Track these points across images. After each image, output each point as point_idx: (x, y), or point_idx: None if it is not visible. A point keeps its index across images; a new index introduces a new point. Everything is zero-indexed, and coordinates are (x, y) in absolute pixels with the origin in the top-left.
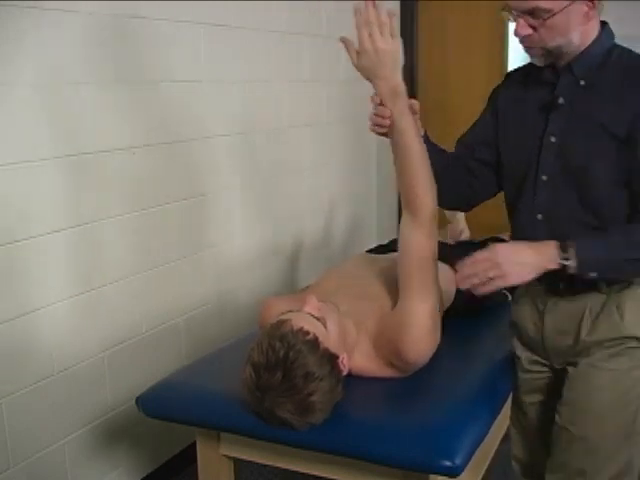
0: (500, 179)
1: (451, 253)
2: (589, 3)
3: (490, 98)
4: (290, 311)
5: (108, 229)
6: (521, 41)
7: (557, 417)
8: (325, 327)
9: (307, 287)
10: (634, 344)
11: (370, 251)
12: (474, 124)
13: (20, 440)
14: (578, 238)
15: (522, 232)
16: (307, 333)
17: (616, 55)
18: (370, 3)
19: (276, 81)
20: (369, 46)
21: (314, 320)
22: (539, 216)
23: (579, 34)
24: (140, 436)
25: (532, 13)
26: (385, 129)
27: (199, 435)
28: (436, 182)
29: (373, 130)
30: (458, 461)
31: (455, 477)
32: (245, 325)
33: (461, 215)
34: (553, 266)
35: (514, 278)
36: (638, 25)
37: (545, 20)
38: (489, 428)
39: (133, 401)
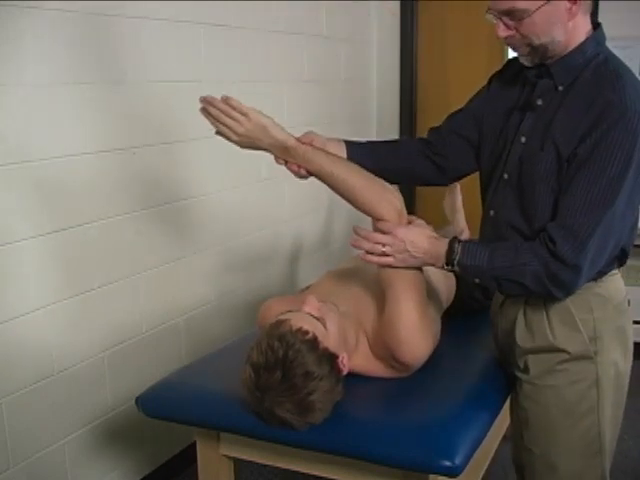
0: (473, 160)
1: None
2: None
3: (489, 80)
4: (289, 311)
5: (108, 229)
6: (505, 42)
7: (523, 436)
8: (324, 327)
9: (307, 287)
10: (566, 357)
11: None
12: (467, 102)
13: (20, 440)
14: (468, 244)
15: (481, 224)
16: (306, 333)
17: (594, 65)
18: (206, 102)
19: (276, 81)
20: (235, 138)
21: (313, 320)
22: (491, 212)
23: (564, 31)
24: (140, 436)
25: (510, 14)
26: (305, 172)
27: (199, 435)
28: (397, 169)
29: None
30: (458, 461)
31: (455, 477)
32: (245, 325)
33: (461, 215)
34: (438, 266)
35: (399, 264)
36: (638, 25)
37: (522, 20)
38: (489, 428)
39: (133, 401)
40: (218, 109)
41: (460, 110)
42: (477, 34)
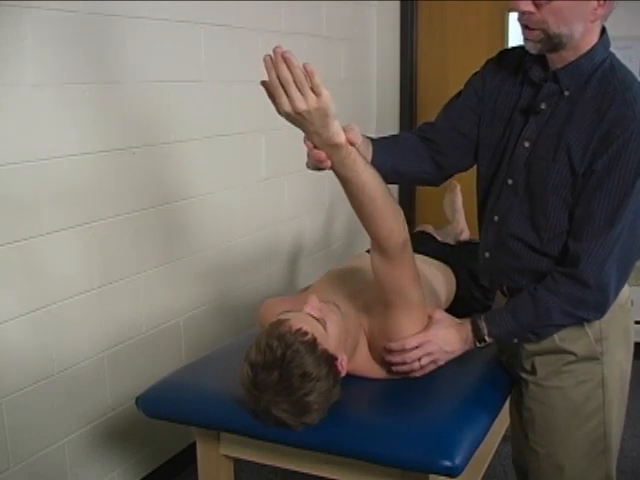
0: (470, 156)
1: (451, 253)
2: (601, 2)
3: (483, 67)
4: (290, 311)
5: (108, 229)
6: (520, 18)
7: (529, 437)
8: (325, 328)
9: (307, 288)
10: (572, 359)
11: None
12: (460, 93)
13: (20, 440)
14: (488, 314)
15: (482, 230)
16: (306, 334)
17: (601, 73)
18: (279, 58)
19: None
20: (287, 109)
21: (313, 321)
22: (495, 217)
23: (583, 29)
24: (140, 436)
25: None
26: (325, 168)
27: (199, 435)
28: (399, 163)
29: (309, 168)
30: (458, 461)
31: (455, 477)
32: (245, 325)
33: (461, 215)
34: (473, 347)
35: (442, 362)
36: (638, 25)
37: (551, 1)
38: (489, 428)
39: (133, 401)
40: (292, 74)
41: (454, 103)
42: (477, 34)
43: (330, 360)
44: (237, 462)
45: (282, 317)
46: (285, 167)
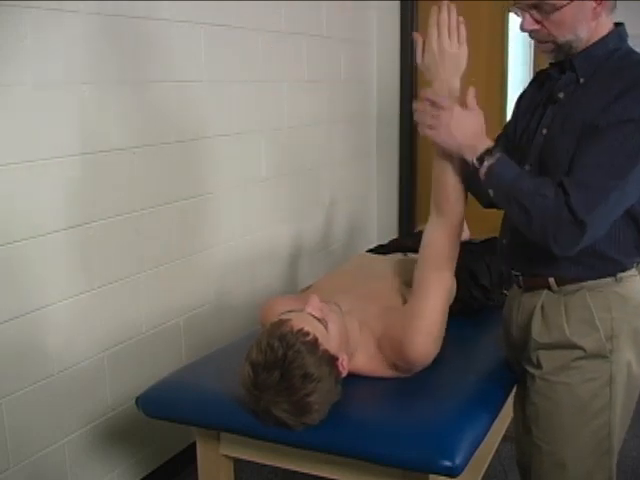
0: None
1: None
2: (598, 0)
3: (518, 99)
4: (291, 311)
5: (108, 229)
6: (530, 35)
7: (532, 432)
8: (326, 328)
9: (308, 287)
10: (581, 354)
11: (370, 251)
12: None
13: (20, 440)
14: (507, 155)
15: (502, 220)
16: (307, 334)
17: (617, 57)
18: (446, 5)
19: (276, 81)
20: (435, 46)
21: (315, 321)
22: None
23: (588, 30)
24: (140, 436)
25: (537, 7)
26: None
27: (199, 435)
28: (471, 182)
29: (422, 132)
30: (458, 461)
31: (455, 477)
32: (245, 325)
33: None
34: (469, 158)
35: (438, 139)
36: (638, 25)
37: (549, 14)
38: (489, 428)
39: (133, 401)
40: (449, 20)
41: (501, 135)
42: (477, 34)
43: (331, 360)
44: (237, 462)
45: (283, 317)
46: (285, 167)
